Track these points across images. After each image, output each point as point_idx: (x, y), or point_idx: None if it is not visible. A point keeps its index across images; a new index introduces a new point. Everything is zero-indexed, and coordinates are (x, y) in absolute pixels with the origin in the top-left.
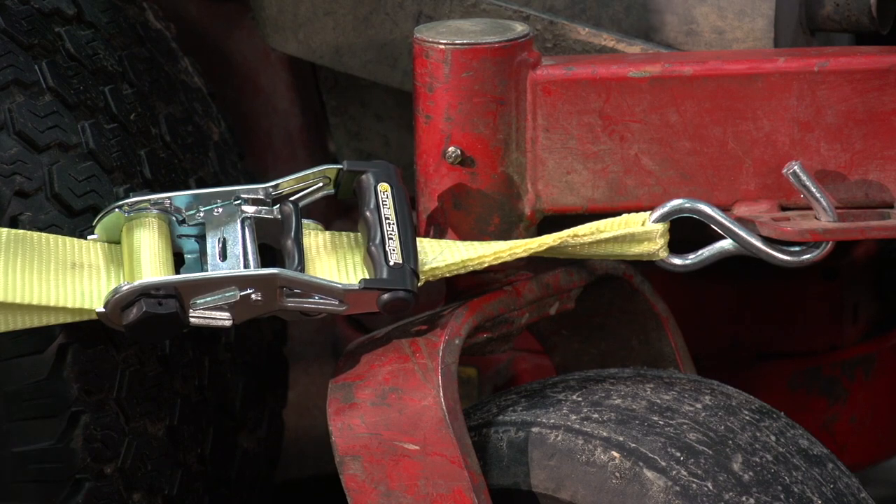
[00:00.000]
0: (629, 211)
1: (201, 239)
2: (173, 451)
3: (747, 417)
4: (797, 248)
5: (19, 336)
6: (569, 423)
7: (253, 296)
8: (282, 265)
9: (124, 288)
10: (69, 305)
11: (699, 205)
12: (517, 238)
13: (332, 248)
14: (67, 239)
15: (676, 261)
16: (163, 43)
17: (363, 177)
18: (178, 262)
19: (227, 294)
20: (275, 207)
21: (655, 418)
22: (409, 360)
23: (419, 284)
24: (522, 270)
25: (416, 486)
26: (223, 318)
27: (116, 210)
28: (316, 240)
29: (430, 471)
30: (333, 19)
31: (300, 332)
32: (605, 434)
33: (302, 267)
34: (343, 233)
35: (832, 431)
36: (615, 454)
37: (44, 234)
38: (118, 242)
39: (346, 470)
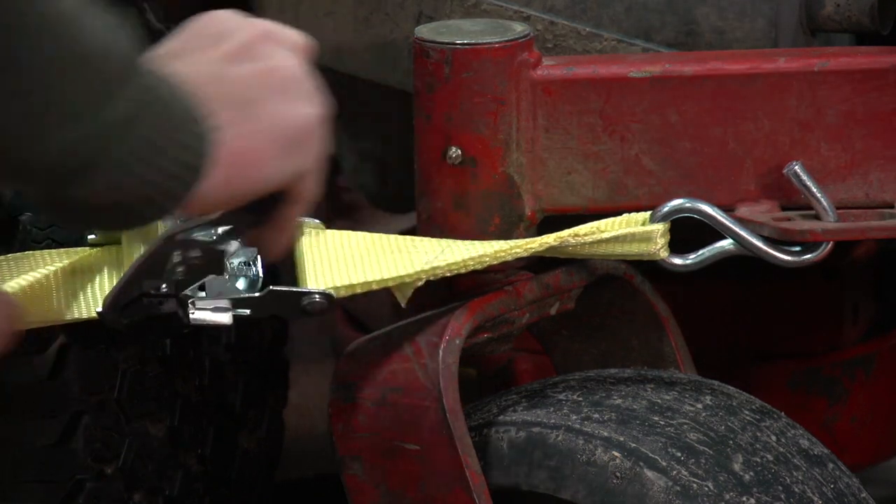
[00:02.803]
0: (630, 211)
1: None
2: (174, 452)
3: (748, 417)
4: (797, 248)
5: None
6: (569, 423)
7: None
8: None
9: None
10: (67, 318)
11: (699, 204)
12: (518, 238)
13: (332, 247)
14: (63, 251)
15: (676, 261)
16: None
17: None
18: None
19: None
20: None
21: (656, 418)
22: (409, 360)
23: (419, 284)
24: (522, 270)
25: (416, 486)
26: (223, 319)
27: None
28: (316, 239)
29: (430, 471)
30: (334, 20)
31: (300, 332)
32: (605, 434)
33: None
34: (344, 232)
35: (832, 431)
36: (616, 454)
37: (37, 252)
38: (118, 243)
39: (346, 470)
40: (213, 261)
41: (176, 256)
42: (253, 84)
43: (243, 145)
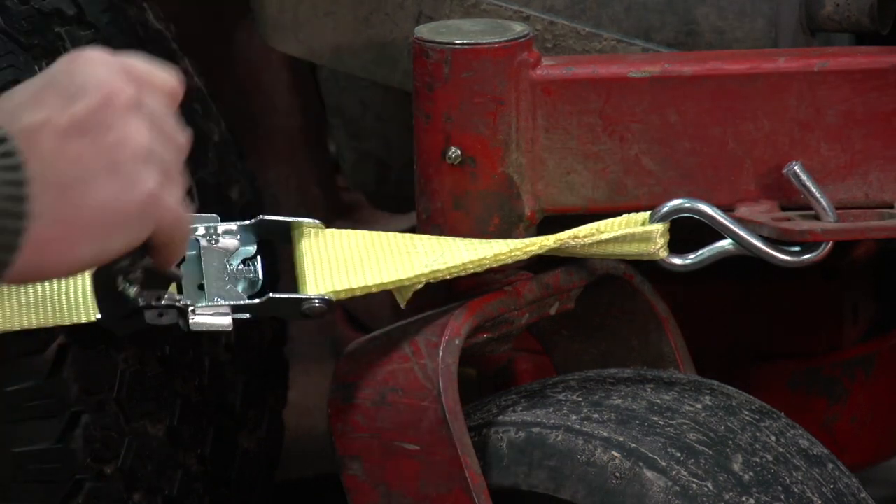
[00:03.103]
0: (629, 211)
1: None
2: (173, 452)
3: (747, 418)
4: (797, 248)
5: (19, 336)
6: (569, 424)
7: None
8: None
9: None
10: (65, 322)
11: (699, 204)
12: (517, 238)
13: (332, 248)
14: None
15: (676, 261)
16: (163, 43)
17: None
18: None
19: None
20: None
21: (655, 418)
22: (409, 361)
23: (418, 286)
24: (522, 270)
25: (416, 487)
26: (223, 323)
27: None
28: (316, 239)
29: (430, 471)
30: (333, 19)
31: (300, 332)
32: (605, 434)
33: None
34: (344, 231)
35: (832, 431)
36: (615, 454)
37: None
38: None
39: (346, 470)
40: (156, 277)
41: (121, 281)
42: (84, 165)
43: (54, 235)
